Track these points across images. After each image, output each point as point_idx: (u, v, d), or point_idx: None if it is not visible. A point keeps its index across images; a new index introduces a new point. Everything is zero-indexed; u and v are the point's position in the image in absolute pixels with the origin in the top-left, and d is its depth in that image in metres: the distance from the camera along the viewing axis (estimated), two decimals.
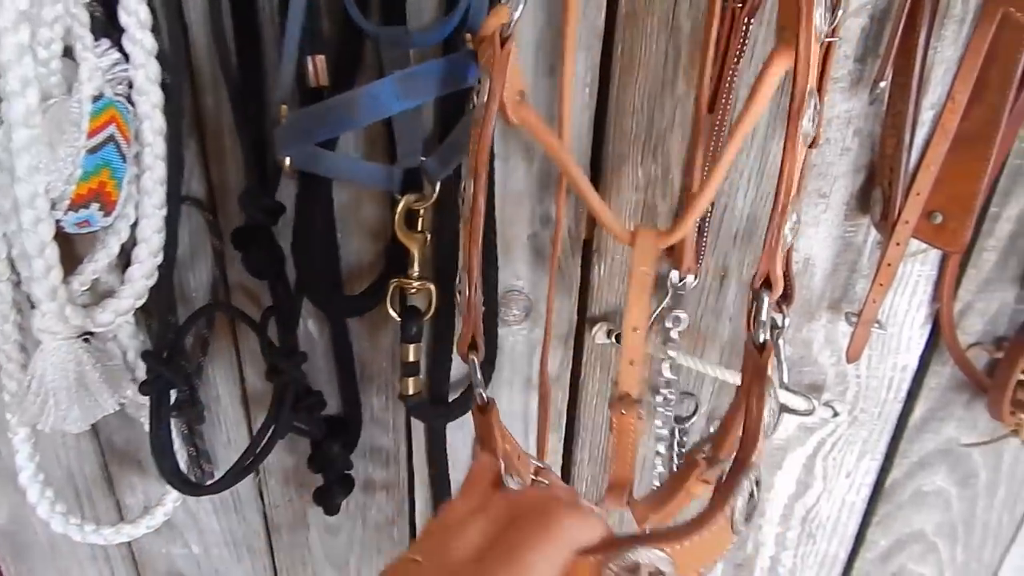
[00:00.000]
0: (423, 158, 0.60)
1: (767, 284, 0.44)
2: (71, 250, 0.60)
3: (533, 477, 0.53)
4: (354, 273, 0.69)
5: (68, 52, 0.50)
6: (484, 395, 0.52)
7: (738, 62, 0.58)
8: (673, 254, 0.67)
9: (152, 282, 0.57)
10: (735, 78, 0.58)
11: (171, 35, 0.52)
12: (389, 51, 0.55)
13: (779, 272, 0.43)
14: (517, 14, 0.47)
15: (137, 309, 0.60)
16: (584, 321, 0.73)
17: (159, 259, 0.57)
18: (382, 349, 0.74)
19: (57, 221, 0.51)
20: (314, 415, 0.72)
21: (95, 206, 0.51)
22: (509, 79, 0.47)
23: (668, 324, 0.70)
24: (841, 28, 0.57)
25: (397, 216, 0.61)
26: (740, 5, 0.56)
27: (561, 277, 0.70)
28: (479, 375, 0.53)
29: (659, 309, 0.69)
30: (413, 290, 0.65)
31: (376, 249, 0.69)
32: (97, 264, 0.55)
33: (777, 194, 0.43)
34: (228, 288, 0.70)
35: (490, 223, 0.64)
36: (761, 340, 0.46)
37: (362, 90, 0.47)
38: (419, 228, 0.63)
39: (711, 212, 0.65)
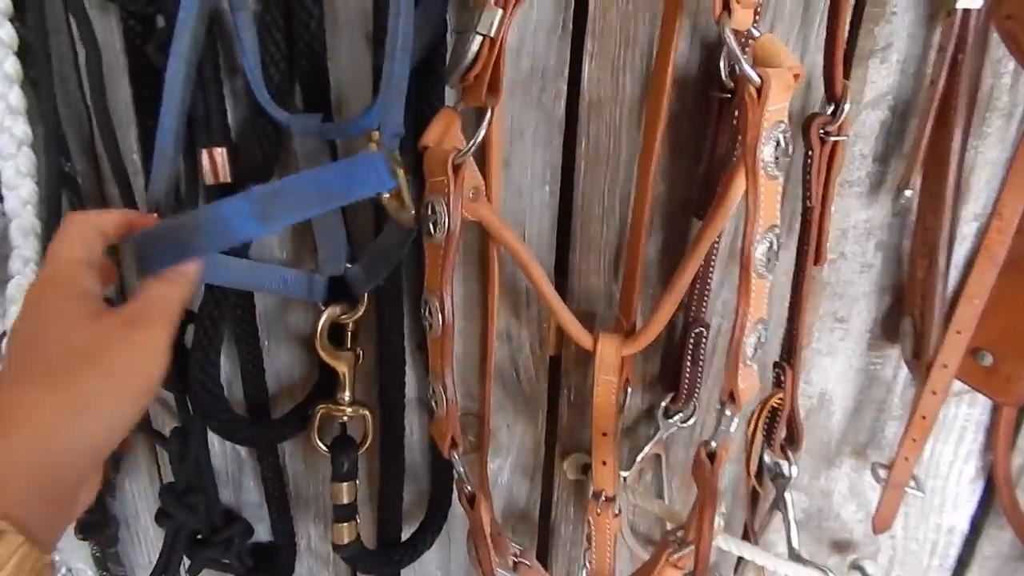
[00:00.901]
0: (348, 265, 0.51)
1: (731, 398, 0.44)
2: None
3: (515, 559, 0.55)
4: (284, 388, 0.60)
5: None
6: (469, 489, 0.52)
7: (729, 159, 0.48)
8: (664, 379, 0.57)
9: None
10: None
11: (44, 117, 0.45)
12: (302, 143, 0.47)
13: (742, 387, 0.43)
14: (480, 137, 0.42)
15: None
16: (554, 452, 0.62)
17: None
18: (320, 470, 0.64)
19: None
20: (234, 547, 0.62)
21: None
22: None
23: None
24: (852, 123, 0.46)
25: (318, 332, 0.52)
26: (728, 96, 0.46)
27: (525, 401, 0.59)
28: (462, 468, 0.52)
29: (648, 449, 0.57)
30: (345, 417, 0.56)
31: (310, 361, 0.59)
32: None
33: (734, 329, 0.41)
34: None
35: None
36: (713, 448, 0.46)
37: (207, 210, 0.38)
38: (347, 344, 0.53)
39: (705, 338, 0.53)
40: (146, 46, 0.45)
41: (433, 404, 0.51)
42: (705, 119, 0.48)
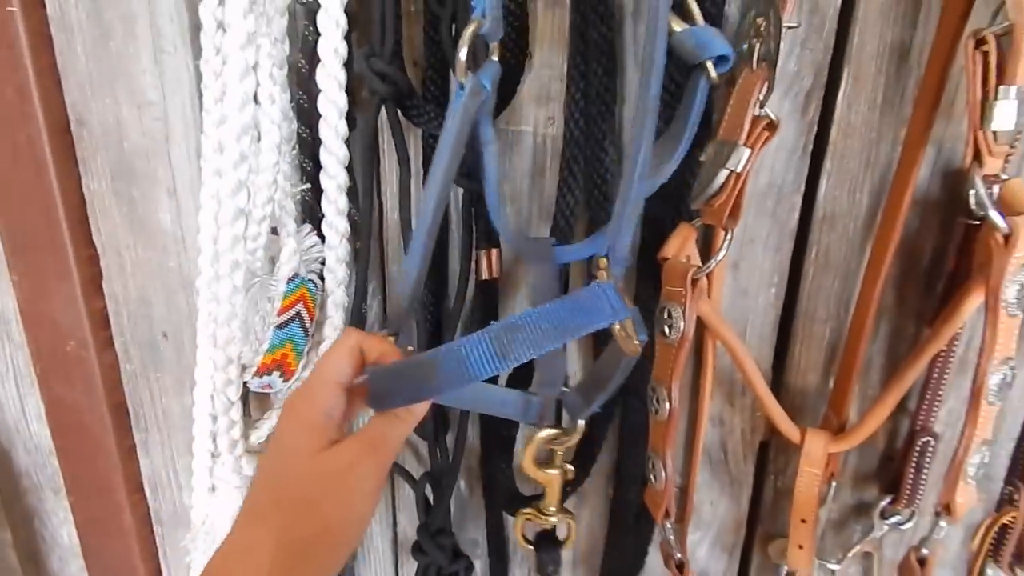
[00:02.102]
0: (564, 389, 0.56)
1: (947, 509, 0.48)
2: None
3: None
4: None
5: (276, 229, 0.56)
6: (679, 556, 0.58)
7: (967, 277, 0.49)
8: (881, 481, 0.58)
9: None
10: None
11: (363, 212, 0.56)
12: (533, 265, 0.53)
13: (959, 501, 0.46)
14: (721, 255, 0.47)
15: None
16: (753, 534, 0.64)
17: None
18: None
19: (244, 383, 0.56)
20: None
21: (276, 374, 0.55)
22: None
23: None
24: None
25: (526, 455, 0.57)
26: (976, 224, 0.47)
27: (731, 482, 0.63)
28: (672, 536, 0.57)
29: (860, 547, 0.58)
30: (548, 526, 0.61)
31: None
32: (272, 422, 0.59)
33: (958, 448, 0.45)
34: None
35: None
36: (924, 554, 0.51)
37: (444, 349, 0.37)
38: (556, 463, 0.58)
39: (932, 447, 0.54)
40: None
41: (651, 477, 0.55)
42: (944, 238, 0.49)
